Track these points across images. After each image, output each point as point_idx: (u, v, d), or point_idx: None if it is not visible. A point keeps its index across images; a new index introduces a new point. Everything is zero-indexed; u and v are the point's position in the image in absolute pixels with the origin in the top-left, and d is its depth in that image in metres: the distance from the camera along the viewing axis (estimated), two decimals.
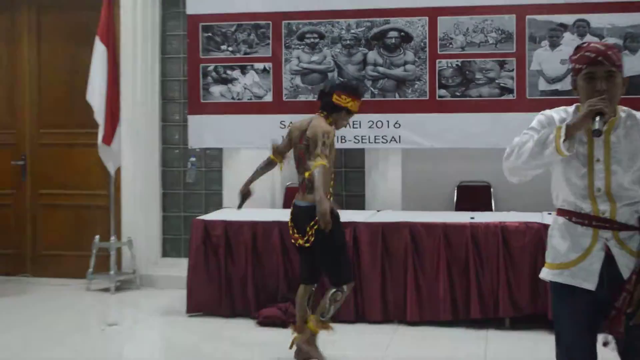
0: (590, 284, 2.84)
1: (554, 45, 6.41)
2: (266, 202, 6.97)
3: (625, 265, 2.81)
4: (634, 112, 2.90)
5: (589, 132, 2.82)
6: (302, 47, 6.81)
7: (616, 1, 6.31)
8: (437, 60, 6.54)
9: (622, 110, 2.90)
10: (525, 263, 5.65)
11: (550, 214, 5.64)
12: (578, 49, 2.87)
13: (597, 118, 2.67)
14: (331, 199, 4.63)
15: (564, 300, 2.89)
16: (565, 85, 6.28)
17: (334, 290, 4.71)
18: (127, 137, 7.25)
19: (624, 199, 2.84)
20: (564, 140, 2.71)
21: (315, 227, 4.56)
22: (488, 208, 6.87)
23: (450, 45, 6.53)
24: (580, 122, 2.73)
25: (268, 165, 5.01)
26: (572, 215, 2.89)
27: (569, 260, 2.87)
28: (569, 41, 6.32)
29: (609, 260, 2.83)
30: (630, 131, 2.85)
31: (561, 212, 2.94)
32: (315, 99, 5.16)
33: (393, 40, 6.65)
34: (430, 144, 6.62)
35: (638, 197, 2.85)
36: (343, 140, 6.67)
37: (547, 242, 2.99)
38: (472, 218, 5.87)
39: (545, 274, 2.96)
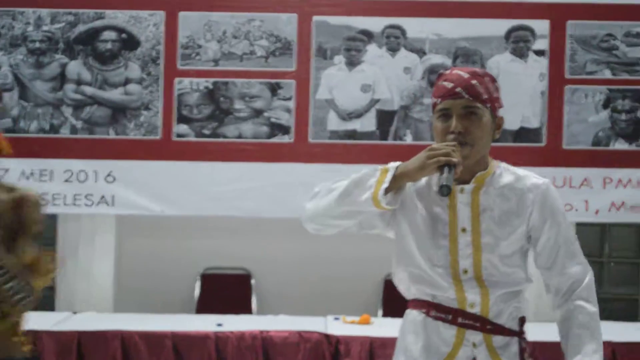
0: None
1: (352, 62, 6.43)
2: None
3: None
4: (512, 167, 3.06)
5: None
6: None
7: (443, 0, 6.39)
8: (177, 79, 6.48)
9: (497, 166, 3.05)
10: None
11: (337, 318, 5.94)
12: (439, 76, 3.04)
13: (445, 170, 2.79)
14: None
15: None
16: (368, 123, 6.39)
17: None
18: None
19: (500, 285, 2.95)
20: (387, 190, 2.85)
21: None
22: (246, 309, 7.08)
23: (198, 57, 6.47)
24: (415, 170, 2.86)
25: None
26: (430, 308, 3.00)
27: None
28: (375, 58, 6.37)
29: None
30: (505, 192, 3.00)
31: (415, 303, 3.04)
32: None
33: (109, 45, 6.53)
34: (160, 208, 6.53)
35: (519, 283, 2.98)
36: None
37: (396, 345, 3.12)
38: (220, 325, 5.82)
39: None
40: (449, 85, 2.94)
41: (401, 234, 3.03)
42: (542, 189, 2.97)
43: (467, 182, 2.97)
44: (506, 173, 3.01)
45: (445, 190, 2.76)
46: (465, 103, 2.91)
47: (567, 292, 2.97)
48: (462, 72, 2.97)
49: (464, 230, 2.96)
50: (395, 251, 3.06)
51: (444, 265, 2.95)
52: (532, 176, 3.01)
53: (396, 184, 2.86)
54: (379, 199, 2.83)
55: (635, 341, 5.58)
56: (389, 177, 2.85)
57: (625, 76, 6.28)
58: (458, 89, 2.92)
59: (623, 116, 6.26)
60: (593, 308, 2.95)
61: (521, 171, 3.03)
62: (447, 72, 3.01)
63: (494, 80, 3.00)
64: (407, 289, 3.05)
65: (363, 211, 2.91)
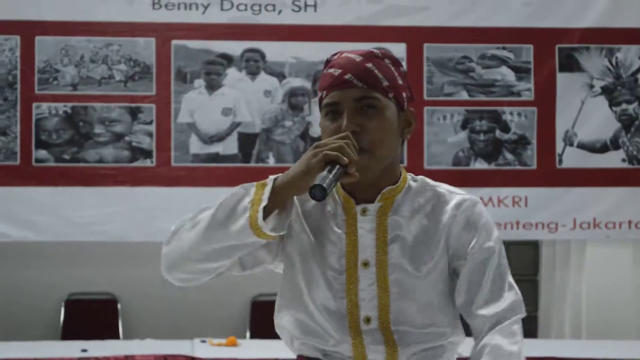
0: None
1: (212, 86, 6.43)
2: None
3: None
4: (432, 182, 2.38)
5: (347, 206, 2.30)
6: None
7: (301, 24, 6.39)
8: (35, 104, 6.39)
9: (413, 179, 2.36)
10: None
11: (204, 341, 5.82)
12: (326, 64, 2.36)
13: (328, 168, 2.12)
14: None
15: None
16: (230, 147, 6.39)
17: None
18: None
19: (415, 340, 2.26)
20: (267, 211, 2.14)
21: None
22: (113, 334, 7.01)
23: (56, 82, 6.39)
24: (300, 176, 2.15)
25: None
26: None
27: None
28: (235, 81, 6.42)
29: None
30: (422, 214, 2.31)
31: None
32: None
33: None
34: (22, 235, 6.42)
35: (442, 336, 2.28)
36: None
37: None
38: (85, 350, 5.68)
39: None
40: (337, 72, 2.27)
41: (288, 268, 2.35)
42: (464, 205, 2.31)
43: (370, 200, 2.30)
44: (424, 189, 2.34)
45: (317, 193, 2.09)
46: (359, 94, 2.24)
47: (487, 330, 2.26)
48: (353, 55, 2.30)
49: (365, 264, 2.27)
50: (280, 290, 2.38)
51: (338, 311, 2.27)
52: (457, 193, 2.34)
53: (278, 201, 2.17)
54: (258, 225, 2.13)
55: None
56: (266, 192, 2.15)
57: (482, 97, 6.39)
58: (348, 76, 2.25)
59: (481, 136, 6.38)
60: (510, 347, 2.23)
61: (444, 186, 2.36)
62: (335, 56, 2.34)
63: (397, 63, 2.33)
64: (291, 342, 2.36)
65: (241, 245, 2.20)
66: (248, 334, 6.84)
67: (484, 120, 6.39)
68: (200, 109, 6.42)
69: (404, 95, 2.31)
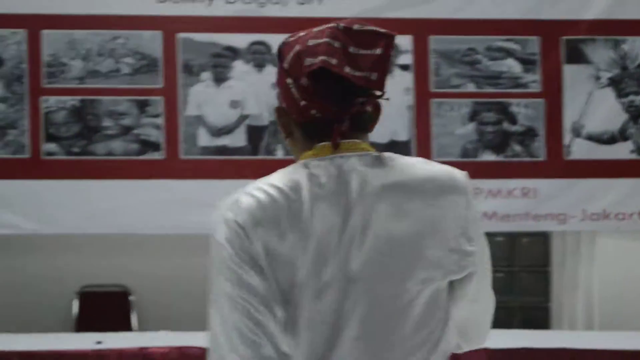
0: None
1: (219, 79, 6.40)
2: None
3: None
4: None
5: None
6: None
7: (307, 16, 6.31)
8: (43, 98, 6.36)
9: None
10: None
11: None
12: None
13: None
14: None
15: None
16: (239, 139, 6.36)
17: None
18: None
19: None
20: None
21: None
22: (126, 326, 7.18)
23: (63, 75, 6.34)
24: None
25: None
26: None
27: None
28: (242, 74, 6.37)
29: None
30: None
31: None
32: None
33: None
34: (33, 227, 6.39)
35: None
36: None
37: None
38: (99, 342, 5.75)
39: None
40: None
41: None
42: None
43: None
44: None
45: None
46: None
47: None
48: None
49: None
50: None
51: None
52: None
53: None
54: None
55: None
56: None
57: (489, 89, 6.35)
58: None
59: (489, 128, 6.34)
60: None
61: None
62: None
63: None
64: None
65: None
66: None
67: (492, 112, 6.34)
68: (208, 101, 6.40)
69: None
